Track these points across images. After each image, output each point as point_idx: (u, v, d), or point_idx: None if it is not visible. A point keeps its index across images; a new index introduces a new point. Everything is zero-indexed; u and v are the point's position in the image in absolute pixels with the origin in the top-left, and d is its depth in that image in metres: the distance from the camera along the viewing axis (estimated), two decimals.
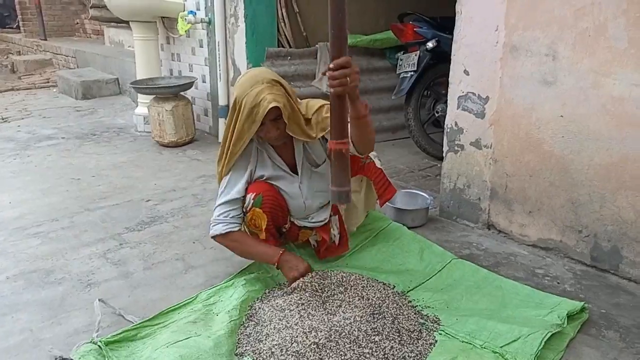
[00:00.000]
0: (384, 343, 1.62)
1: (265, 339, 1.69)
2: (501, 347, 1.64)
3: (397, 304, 1.86)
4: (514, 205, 2.47)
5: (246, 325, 1.82)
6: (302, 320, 1.74)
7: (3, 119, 5.19)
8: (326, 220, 2.22)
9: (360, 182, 2.28)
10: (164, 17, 4.57)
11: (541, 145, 2.30)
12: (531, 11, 2.22)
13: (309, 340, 1.62)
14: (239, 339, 1.74)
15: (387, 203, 2.68)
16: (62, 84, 6.47)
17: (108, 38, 7.63)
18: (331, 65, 1.58)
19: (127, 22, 4.71)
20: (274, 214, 2.05)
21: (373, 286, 1.97)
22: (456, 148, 2.67)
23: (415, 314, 1.86)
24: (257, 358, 1.62)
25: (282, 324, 1.74)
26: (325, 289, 1.95)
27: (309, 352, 1.59)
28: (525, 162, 2.38)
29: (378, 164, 2.21)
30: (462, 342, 1.70)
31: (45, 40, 8.80)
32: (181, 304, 1.92)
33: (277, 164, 2.09)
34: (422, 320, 1.82)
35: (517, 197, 2.45)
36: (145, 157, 3.96)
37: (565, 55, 2.15)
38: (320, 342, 1.61)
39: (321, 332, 1.65)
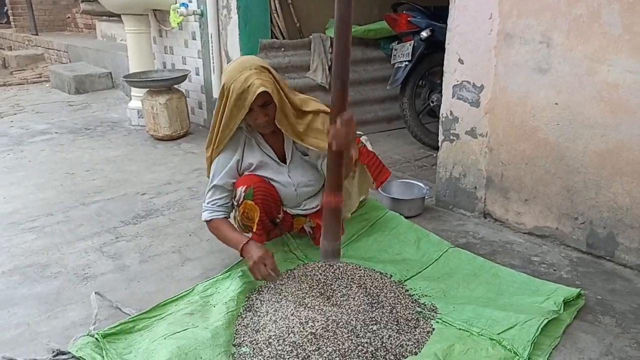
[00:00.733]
0: (381, 332, 1.62)
1: (263, 330, 1.69)
2: (498, 334, 1.65)
3: (395, 293, 1.86)
4: (509, 194, 2.48)
5: (243, 316, 1.82)
6: (298, 311, 1.74)
7: None
8: (319, 207, 2.21)
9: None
10: (155, 10, 4.53)
11: (536, 133, 2.31)
12: None
13: (306, 331, 1.62)
14: (236, 330, 1.74)
15: (383, 193, 2.70)
16: (55, 78, 6.42)
17: (100, 32, 7.56)
18: (337, 121, 1.65)
19: (118, 16, 4.66)
20: (266, 205, 2.05)
21: (370, 275, 1.96)
22: (451, 137, 2.67)
23: (412, 302, 1.86)
24: (254, 348, 1.63)
25: (278, 314, 1.74)
26: (322, 278, 1.95)
27: (306, 343, 1.59)
28: (521, 150, 2.38)
29: (369, 147, 2.21)
30: (459, 329, 1.70)
31: (37, 35, 8.71)
32: (178, 296, 1.91)
33: (265, 152, 2.08)
34: (419, 309, 1.82)
35: (512, 185, 2.45)
36: (140, 151, 3.94)
37: (560, 42, 2.14)
38: (318, 332, 1.61)
39: (318, 322, 1.65)
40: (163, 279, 2.13)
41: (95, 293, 1.92)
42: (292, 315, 1.71)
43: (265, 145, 2.07)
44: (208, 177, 2.10)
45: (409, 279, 2.05)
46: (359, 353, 1.54)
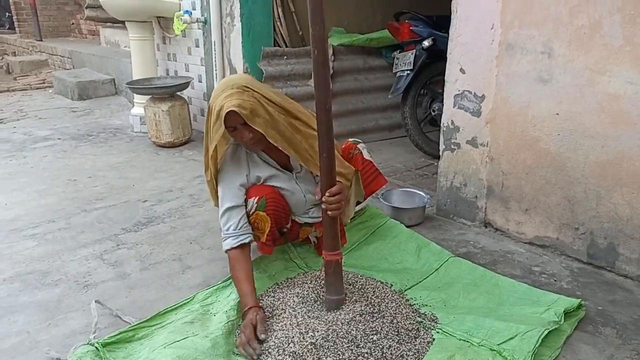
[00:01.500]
0: (382, 342, 1.62)
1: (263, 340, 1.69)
2: (498, 344, 1.65)
3: (395, 303, 1.86)
4: (510, 203, 2.48)
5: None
6: (298, 320, 1.74)
7: None
8: None
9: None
10: (159, 17, 4.56)
11: (537, 143, 2.31)
12: (527, 9, 2.23)
13: (306, 341, 1.62)
14: (236, 340, 1.74)
15: (384, 201, 2.70)
16: (58, 84, 6.45)
17: (104, 38, 7.61)
18: (327, 195, 1.73)
19: (122, 22, 4.69)
20: (277, 216, 2.04)
21: (371, 285, 1.97)
22: (452, 146, 2.67)
23: (412, 312, 1.86)
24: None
25: (278, 324, 1.74)
26: (323, 288, 1.95)
27: (306, 353, 1.58)
28: (522, 160, 2.38)
29: (367, 155, 2.21)
30: (460, 340, 1.70)
31: (41, 40, 8.77)
32: (178, 305, 1.91)
33: (269, 164, 2.08)
34: (419, 319, 1.82)
35: (513, 195, 2.46)
36: (142, 158, 3.95)
37: (561, 53, 2.15)
38: (318, 342, 1.60)
39: (318, 332, 1.65)
40: (164, 287, 2.13)
41: (96, 301, 1.92)
42: (291, 324, 1.71)
43: (268, 158, 2.07)
44: (214, 202, 2.07)
45: (409, 288, 2.05)
46: None
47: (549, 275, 2.20)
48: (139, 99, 4.56)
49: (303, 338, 1.62)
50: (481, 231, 2.61)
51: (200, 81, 4.45)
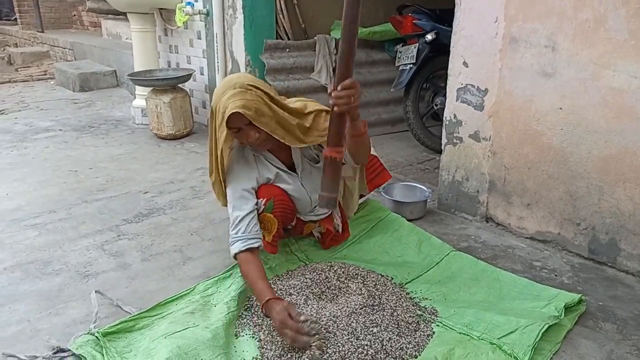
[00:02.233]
0: (382, 334, 1.62)
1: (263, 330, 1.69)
2: (498, 338, 1.65)
3: (396, 296, 1.86)
4: (512, 198, 2.47)
5: (244, 316, 1.83)
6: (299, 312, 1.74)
7: (0, 111, 5.16)
8: (329, 212, 2.22)
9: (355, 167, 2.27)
10: (161, 9, 4.54)
11: (540, 137, 2.30)
12: (531, 2, 2.21)
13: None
14: (236, 331, 1.74)
15: (385, 195, 2.70)
16: (60, 76, 6.44)
17: (105, 30, 7.58)
18: (338, 87, 1.61)
19: (124, 14, 4.68)
20: (284, 217, 2.05)
21: (372, 278, 1.97)
22: (455, 140, 2.66)
23: (413, 305, 1.86)
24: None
25: None
26: (324, 280, 1.95)
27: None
28: (524, 155, 2.37)
29: (372, 150, 2.20)
30: (460, 333, 1.70)
31: (43, 32, 8.75)
32: (179, 295, 1.92)
33: (275, 165, 2.06)
34: (419, 312, 1.82)
35: (515, 189, 2.45)
36: (143, 150, 3.95)
37: (565, 46, 2.14)
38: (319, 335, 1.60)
39: (318, 324, 1.64)
40: (164, 278, 2.13)
41: (96, 291, 1.92)
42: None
43: (273, 159, 2.06)
44: (222, 202, 2.04)
45: (409, 282, 2.05)
46: (359, 355, 1.54)
47: (550, 270, 2.20)
48: (140, 90, 4.55)
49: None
50: (482, 226, 2.61)
51: (202, 73, 4.44)
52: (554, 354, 1.65)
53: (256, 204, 1.96)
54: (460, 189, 2.69)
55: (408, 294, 1.96)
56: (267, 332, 1.69)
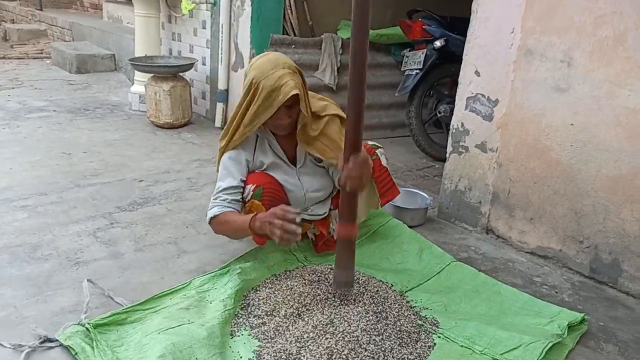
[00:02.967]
0: (384, 344, 1.57)
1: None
2: (501, 354, 1.61)
3: (398, 304, 1.81)
4: (515, 211, 2.44)
5: (240, 315, 1.77)
6: (298, 316, 1.69)
7: None
8: (326, 214, 2.18)
9: None
10: None
11: (548, 152, 2.27)
12: (549, 16, 2.18)
13: (305, 337, 1.57)
14: (232, 330, 1.69)
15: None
16: (57, 56, 6.31)
17: (106, 13, 7.45)
18: (350, 164, 1.55)
19: None
20: (273, 207, 1.98)
21: (373, 284, 1.92)
22: (460, 149, 2.63)
23: (414, 315, 1.81)
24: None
25: (276, 318, 1.70)
26: (323, 284, 1.90)
27: (303, 350, 1.54)
28: (531, 169, 2.35)
29: (384, 162, 2.15)
30: (462, 346, 1.66)
31: (41, 10, 8.57)
32: (174, 289, 1.86)
33: (277, 153, 2.03)
34: (420, 322, 1.78)
35: (519, 203, 2.42)
36: (139, 137, 3.87)
37: (581, 62, 2.11)
38: (318, 340, 1.56)
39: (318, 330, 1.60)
40: (158, 270, 2.06)
41: (88, 280, 1.85)
42: (289, 318, 1.66)
43: (276, 146, 2.03)
44: (217, 168, 2.05)
45: (409, 290, 2.01)
46: None
47: (550, 286, 2.17)
48: (139, 76, 4.46)
49: (302, 335, 1.57)
50: (482, 237, 2.57)
51: (204, 64, 4.36)
52: None
53: (244, 187, 1.95)
54: (463, 198, 2.66)
55: (408, 302, 1.92)
56: (264, 331, 1.64)
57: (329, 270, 1.97)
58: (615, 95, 2.03)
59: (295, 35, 4.11)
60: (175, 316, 1.66)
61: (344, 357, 1.51)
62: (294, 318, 1.70)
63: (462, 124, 2.60)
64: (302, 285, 1.87)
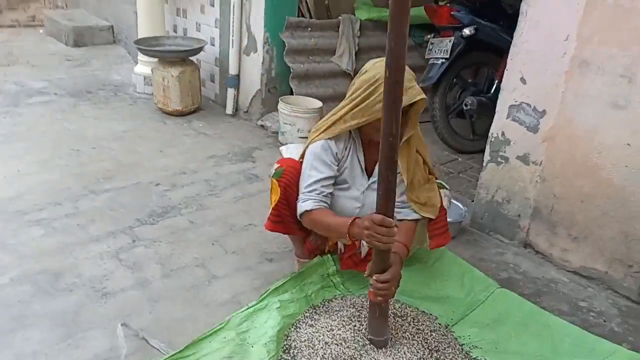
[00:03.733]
0: None
1: None
2: None
3: (451, 347, 1.72)
4: (557, 229, 2.33)
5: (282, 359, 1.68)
6: (342, 356, 1.60)
7: None
8: None
9: None
10: None
11: (599, 171, 2.14)
12: (611, 25, 2.00)
13: None
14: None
15: None
16: (51, 26, 5.97)
17: None
18: (375, 278, 1.58)
19: None
20: (288, 190, 1.90)
21: (422, 320, 1.83)
22: (499, 159, 2.49)
23: (464, 356, 1.73)
24: None
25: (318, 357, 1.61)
26: (363, 320, 1.80)
27: None
28: (578, 186, 2.22)
29: (446, 204, 1.99)
30: None
31: None
32: (212, 331, 1.74)
33: (358, 158, 1.92)
34: None
35: (563, 220, 2.31)
36: (148, 127, 3.68)
37: None
38: None
39: None
40: (189, 302, 1.95)
41: (122, 324, 1.74)
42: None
43: (361, 152, 1.92)
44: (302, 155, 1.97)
45: (456, 323, 1.92)
46: None
47: (597, 313, 2.09)
48: (144, 57, 4.21)
49: None
50: (520, 252, 2.47)
51: (212, 44, 4.11)
52: None
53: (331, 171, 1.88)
54: (500, 210, 2.54)
55: (457, 339, 1.83)
56: None
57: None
58: None
59: (311, 17, 3.87)
60: None
61: None
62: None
63: (503, 133, 2.45)
64: (343, 326, 1.76)
